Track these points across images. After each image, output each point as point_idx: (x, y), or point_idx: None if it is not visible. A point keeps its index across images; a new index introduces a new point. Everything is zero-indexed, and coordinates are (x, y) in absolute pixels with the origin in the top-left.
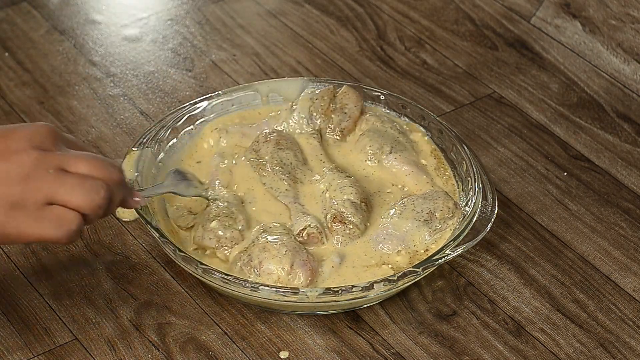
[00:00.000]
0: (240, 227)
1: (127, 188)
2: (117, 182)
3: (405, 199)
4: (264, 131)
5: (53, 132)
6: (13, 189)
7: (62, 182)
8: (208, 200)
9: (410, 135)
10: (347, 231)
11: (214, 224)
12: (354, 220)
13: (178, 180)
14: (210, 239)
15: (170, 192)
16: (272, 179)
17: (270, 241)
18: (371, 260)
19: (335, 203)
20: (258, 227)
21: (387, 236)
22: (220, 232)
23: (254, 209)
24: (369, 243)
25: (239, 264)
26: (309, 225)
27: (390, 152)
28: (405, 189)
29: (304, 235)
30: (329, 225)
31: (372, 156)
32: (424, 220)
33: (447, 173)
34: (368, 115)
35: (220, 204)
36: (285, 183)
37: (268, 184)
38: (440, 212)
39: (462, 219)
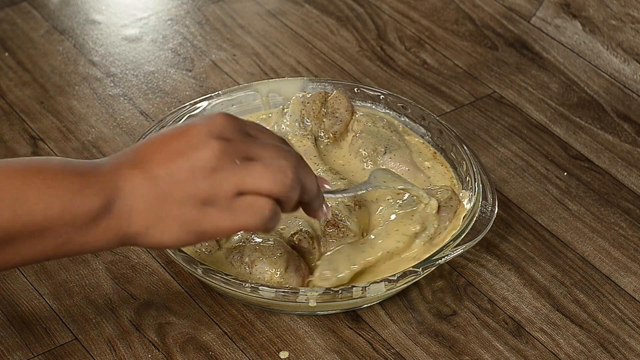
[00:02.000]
0: (222, 239)
1: (312, 173)
2: (302, 164)
3: (399, 198)
4: (287, 126)
5: (231, 120)
6: (201, 185)
7: (249, 170)
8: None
9: (406, 137)
10: (341, 235)
11: None
12: (348, 223)
13: (380, 177)
14: None
15: (366, 191)
16: None
17: (262, 242)
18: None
19: (329, 206)
20: None
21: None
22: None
23: None
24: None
25: (229, 259)
26: (300, 231)
27: (385, 153)
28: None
29: (294, 239)
30: (323, 229)
31: (367, 158)
32: (419, 230)
33: (448, 175)
34: (359, 115)
35: None
36: None
37: None
38: (440, 194)
39: (464, 216)
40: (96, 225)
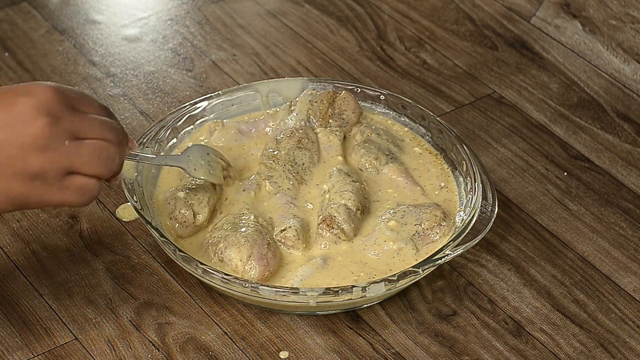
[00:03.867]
0: (199, 215)
1: (126, 147)
2: (123, 142)
3: (396, 209)
4: (292, 125)
5: (59, 94)
6: (31, 162)
7: (79, 153)
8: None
9: (414, 148)
10: (333, 237)
11: (181, 194)
12: (344, 227)
13: (189, 157)
14: (169, 203)
15: (175, 166)
16: (279, 174)
17: (240, 230)
18: (356, 268)
19: (331, 206)
20: (233, 215)
21: (376, 254)
22: (179, 205)
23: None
24: (355, 250)
25: (208, 241)
26: (289, 227)
27: (387, 163)
28: (403, 197)
29: (281, 235)
30: (316, 229)
31: (369, 165)
32: (412, 235)
33: (450, 186)
34: (363, 127)
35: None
36: (290, 182)
37: (274, 177)
38: (427, 222)
39: (460, 224)
40: None
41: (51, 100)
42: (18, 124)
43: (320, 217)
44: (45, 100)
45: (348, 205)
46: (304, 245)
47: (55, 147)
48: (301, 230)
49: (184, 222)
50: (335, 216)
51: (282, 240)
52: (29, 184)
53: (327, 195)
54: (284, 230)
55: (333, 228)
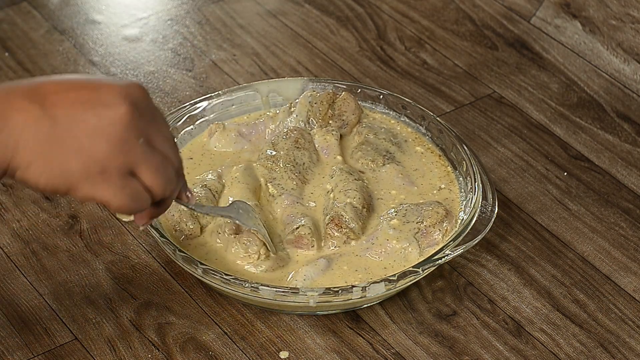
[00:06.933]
0: (206, 228)
1: (184, 180)
2: (182, 172)
3: (398, 207)
4: (287, 126)
5: (145, 93)
6: (100, 147)
7: (148, 159)
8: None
9: (416, 147)
10: (342, 237)
11: (184, 206)
12: (352, 225)
13: (240, 210)
14: (173, 215)
15: (227, 217)
16: (281, 176)
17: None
18: (360, 268)
19: (337, 205)
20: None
21: (379, 253)
22: (185, 218)
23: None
24: (360, 250)
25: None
26: (302, 225)
27: (384, 164)
28: (402, 197)
29: (295, 234)
30: (325, 228)
31: (365, 168)
32: (414, 236)
33: (452, 186)
34: (361, 127)
35: (202, 192)
36: (294, 182)
37: (277, 179)
38: (429, 219)
39: (459, 224)
40: None
41: (137, 94)
42: (100, 105)
43: (328, 217)
44: (131, 92)
45: (354, 203)
46: (317, 244)
47: (129, 140)
48: (314, 228)
49: (190, 234)
50: (342, 215)
51: (295, 240)
52: (87, 168)
53: (332, 195)
54: (297, 228)
55: (342, 227)
